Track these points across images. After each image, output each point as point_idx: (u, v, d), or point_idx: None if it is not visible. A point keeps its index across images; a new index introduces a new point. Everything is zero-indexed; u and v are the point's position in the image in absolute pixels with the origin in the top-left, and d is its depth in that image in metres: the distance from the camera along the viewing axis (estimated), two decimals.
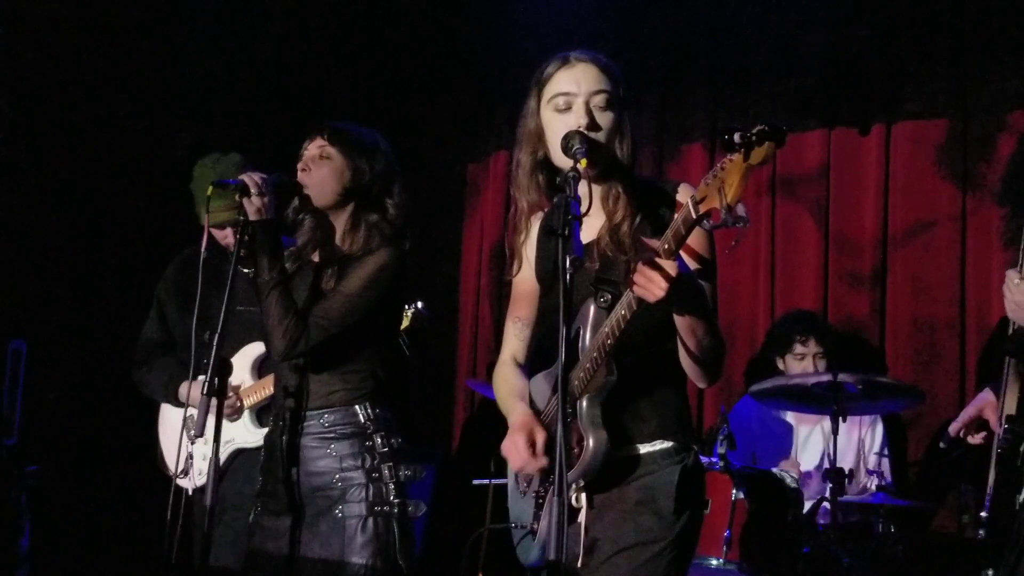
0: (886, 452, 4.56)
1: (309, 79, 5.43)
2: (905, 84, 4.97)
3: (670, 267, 2.15)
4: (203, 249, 3.14)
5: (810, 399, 4.28)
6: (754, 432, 4.65)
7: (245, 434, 3.70)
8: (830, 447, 4.16)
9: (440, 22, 5.77)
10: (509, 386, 2.64)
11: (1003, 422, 2.88)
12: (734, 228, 2.09)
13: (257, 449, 3.52)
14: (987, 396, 3.11)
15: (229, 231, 3.71)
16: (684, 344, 2.37)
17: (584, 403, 2.40)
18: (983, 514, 2.88)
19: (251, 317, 3.58)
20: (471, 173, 6.10)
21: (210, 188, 3.05)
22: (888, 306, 4.92)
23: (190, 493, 3.67)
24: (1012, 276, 2.78)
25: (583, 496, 2.44)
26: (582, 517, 2.44)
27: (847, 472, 4.09)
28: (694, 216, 2.12)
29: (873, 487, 4.24)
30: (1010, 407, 2.88)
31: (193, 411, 3.64)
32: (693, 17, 5.42)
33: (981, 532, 2.90)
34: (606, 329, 2.33)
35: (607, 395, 2.40)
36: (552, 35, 5.63)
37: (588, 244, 2.43)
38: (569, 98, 2.46)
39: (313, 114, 5.28)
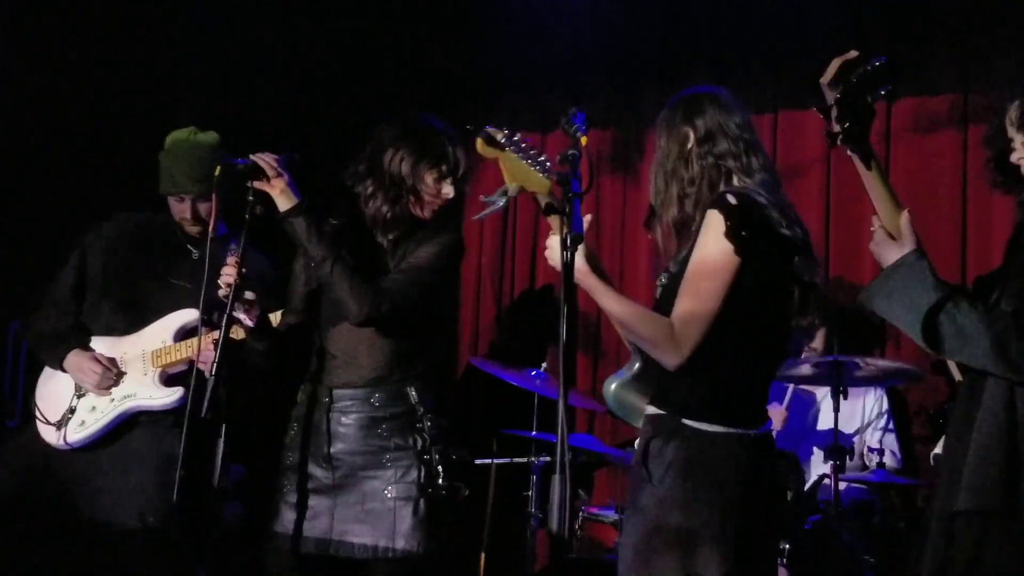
0: (892, 427, 4.58)
1: (307, 75, 5.42)
2: (906, 62, 4.96)
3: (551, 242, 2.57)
4: (211, 229, 3.12)
5: (812, 376, 4.32)
6: None
7: (150, 390, 3.58)
8: (832, 424, 4.18)
9: (438, 13, 5.75)
10: None
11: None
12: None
13: (164, 412, 3.51)
14: None
15: (188, 201, 3.62)
16: None
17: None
18: None
19: (182, 291, 3.58)
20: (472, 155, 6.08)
21: (218, 169, 2.96)
22: None
23: (53, 444, 3.59)
24: (875, 221, 2.58)
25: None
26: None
27: (849, 448, 4.11)
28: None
29: (874, 464, 4.26)
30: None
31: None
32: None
33: None
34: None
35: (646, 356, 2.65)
36: (551, 24, 5.61)
37: None
38: None
39: (310, 110, 5.28)
